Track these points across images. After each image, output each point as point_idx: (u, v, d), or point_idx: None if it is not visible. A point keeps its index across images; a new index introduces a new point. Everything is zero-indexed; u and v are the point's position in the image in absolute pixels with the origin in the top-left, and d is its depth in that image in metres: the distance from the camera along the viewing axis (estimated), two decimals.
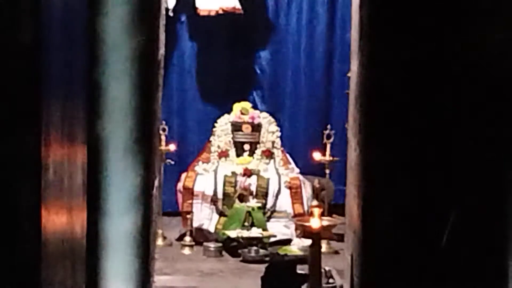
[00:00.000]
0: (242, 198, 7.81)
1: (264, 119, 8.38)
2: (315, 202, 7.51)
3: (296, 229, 7.59)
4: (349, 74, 5.10)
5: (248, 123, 8.28)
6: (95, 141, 3.05)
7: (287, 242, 7.59)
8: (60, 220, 3.03)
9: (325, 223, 6.33)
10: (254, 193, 7.86)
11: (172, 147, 7.85)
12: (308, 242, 6.34)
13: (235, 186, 7.87)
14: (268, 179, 7.95)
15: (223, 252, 7.31)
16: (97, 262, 3.00)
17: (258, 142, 8.26)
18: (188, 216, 7.63)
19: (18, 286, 2.56)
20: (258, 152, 8.22)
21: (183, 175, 8.07)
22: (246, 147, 8.23)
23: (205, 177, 7.96)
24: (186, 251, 7.38)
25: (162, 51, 5.57)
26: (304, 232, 6.43)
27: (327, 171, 7.86)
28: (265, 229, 7.61)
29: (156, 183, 5.72)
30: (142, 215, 2.90)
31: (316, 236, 6.10)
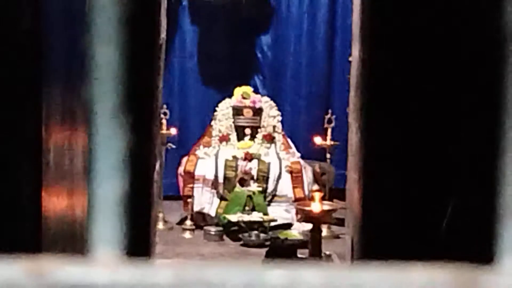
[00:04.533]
0: (243, 182, 7.82)
1: (265, 103, 8.38)
2: (316, 187, 7.55)
3: (297, 213, 7.60)
4: (350, 59, 5.09)
5: (249, 107, 8.28)
6: (82, 105, 3.07)
7: (288, 226, 7.60)
8: (61, 203, 3.04)
9: (325, 207, 6.35)
10: (255, 177, 7.87)
11: (173, 131, 7.86)
12: (309, 226, 6.37)
13: (236, 170, 7.87)
14: (269, 164, 7.95)
15: (224, 236, 7.32)
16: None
17: (259, 127, 8.26)
18: (189, 200, 7.65)
19: None
20: (259, 136, 8.22)
21: (184, 159, 8.07)
22: (247, 131, 8.23)
23: (206, 161, 7.97)
24: (187, 235, 7.40)
25: (163, 35, 5.57)
26: (305, 216, 6.45)
27: (328, 156, 7.87)
28: (266, 214, 7.62)
29: (157, 167, 5.73)
30: (132, 182, 2.91)
31: (316, 221, 6.13)
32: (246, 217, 7.45)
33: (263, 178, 7.87)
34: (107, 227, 0.48)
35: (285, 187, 7.87)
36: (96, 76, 0.49)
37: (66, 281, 0.44)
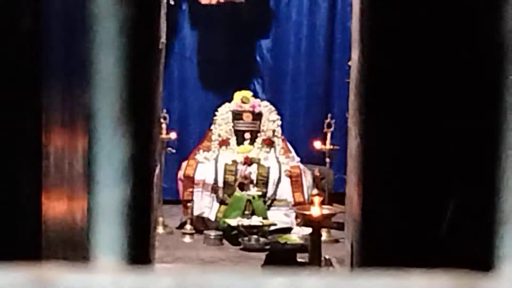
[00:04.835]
0: (242, 187, 7.82)
1: (265, 107, 8.38)
2: (315, 191, 7.54)
3: (296, 217, 7.60)
4: (349, 63, 5.10)
5: (248, 111, 8.28)
6: (82, 108, 3.07)
7: (288, 230, 7.61)
8: (60, 207, 3.04)
9: (325, 211, 6.35)
10: (255, 182, 7.87)
11: (173, 135, 7.86)
12: (308, 230, 6.37)
13: (235, 175, 7.87)
14: (268, 168, 7.95)
15: (224, 241, 7.32)
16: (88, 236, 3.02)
17: (258, 131, 8.27)
18: (189, 204, 7.65)
19: None
20: (258, 140, 8.22)
21: (184, 164, 8.08)
22: (247, 135, 8.23)
23: (206, 166, 7.97)
24: (187, 239, 7.40)
25: (163, 39, 5.58)
26: (304, 220, 6.45)
27: (328, 160, 7.88)
28: (265, 218, 7.62)
29: (157, 171, 5.73)
30: (133, 186, 2.92)
31: (316, 225, 6.12)
32: (246, 222, 7.45)
33: (263, 182, 7.87)
34: (109, 234, 0.48)
35: (285, 191, 7.87)
36: (97, 82, 0.49)
37: None
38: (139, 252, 4.30)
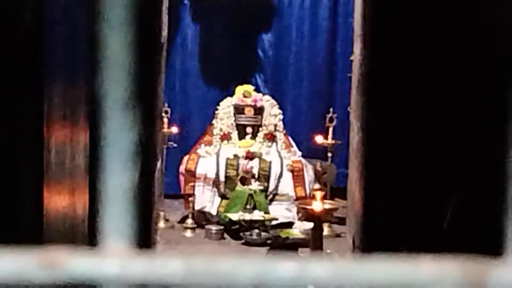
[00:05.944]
0: (244, 181, 7.81)
1: (267, 102, 8.37)
2: (317, 186, 7.55)
3: (298, 212, 7.60)
4: (352, 58, 5.10)
5: (250, 106, 8.27)
6: (91, 97, 3.07)
7: (289, 225, 7.60)
8: (62, 200, 3.04)
9: (327, 206, 6.35)
10: (256, 176, 7.86)
11: (175, 129, 7.86)
12: (310, 225, 6.38)
13: (237, 169, 7.87)
14: (270, 162, 7.95)
15: (225, 235, 7.32)
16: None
17: (260, 125, 8.26)
18: (190, 198, 7.64)
19: None
20: (260, 135, 8.21)
21: (185, 158, 8.07)
22: (249, 130, 8.22)
23: (208, 160, 7.97)
24: (188, 233, 7.40)
25: (165, 33, 5.58)
26: (306, 215, 6.46)
27: (329, 155, 7.88)
28: (267, 212, 7.62)
29: (158, 165, 5.73)
30: (140, 172, 2.91)
31: (317, 219, 6.13)
32: (247, 216, 7.45)
33: (264, 176, 7.86)
34: (117, 219, 0.48)
35: (286, 186, 7.87)
36: (104, 68, 0.49)
37: (78, 273, 0.44)
38: (140, 245, 4.31)
